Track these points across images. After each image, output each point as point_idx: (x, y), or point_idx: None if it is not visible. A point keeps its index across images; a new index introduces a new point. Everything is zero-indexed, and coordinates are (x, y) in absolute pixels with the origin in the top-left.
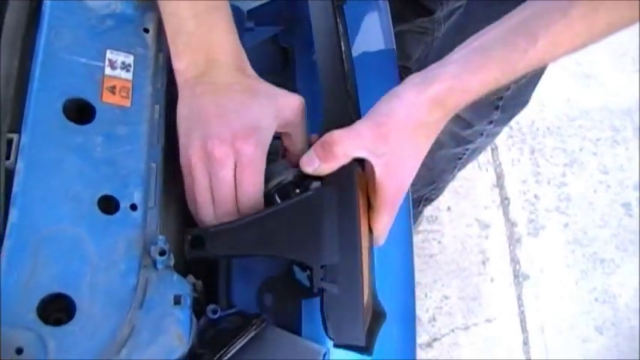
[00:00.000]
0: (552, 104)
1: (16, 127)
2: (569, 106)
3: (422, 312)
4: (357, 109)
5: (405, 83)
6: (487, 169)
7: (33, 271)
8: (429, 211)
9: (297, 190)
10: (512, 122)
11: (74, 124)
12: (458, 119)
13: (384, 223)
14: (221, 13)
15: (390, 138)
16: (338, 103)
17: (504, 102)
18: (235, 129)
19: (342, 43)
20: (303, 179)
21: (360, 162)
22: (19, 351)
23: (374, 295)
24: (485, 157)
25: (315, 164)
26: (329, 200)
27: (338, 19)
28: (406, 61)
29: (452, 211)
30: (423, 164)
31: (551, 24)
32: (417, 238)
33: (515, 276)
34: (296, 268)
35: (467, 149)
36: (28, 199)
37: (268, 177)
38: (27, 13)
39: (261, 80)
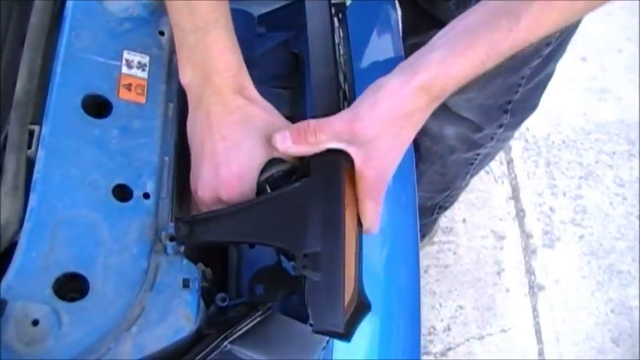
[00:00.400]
0: (568, 118)
1: (38, 120)
2: (585, 120)
3: (437, 321)
4: None
5: (392, 72)
6: (503, 182)
7: (50, 251)
8: (444, 222)
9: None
10: (528, 136)
11: (92, 117)
12: (468, 123)
13: (369, 210)
14: (219, 30)
15: (368, 131)
16: (326, 95)
17: (513, 105)
18: (222, 177)
19: (342, 46)
20: (293, 172)
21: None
22: (35, 322)
23: (360, 286)
24: (500, 169)
25: (286, 143)
26: (314, 192)
27: (338, 22)
28: None
29: (467, 223)
30: (436, 170)
31: (532, 2)
32: (432, 249)
33: (531, 287)
34: (283, 258)
35: (478, 154)
36: (47, 186)
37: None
38: (50, 15)
39: (260, 103)
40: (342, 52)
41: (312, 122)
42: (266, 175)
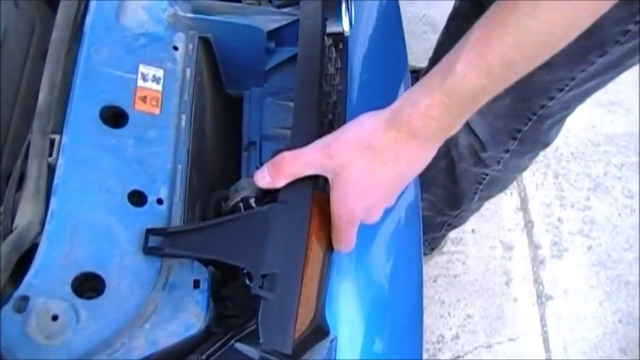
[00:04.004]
0: (577, 131)
1: (59, 129)
2: (593, 133)
3: (445, 330)
4: None
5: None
6: (511, 193)
7: (69, 251)
8: (453, 233)
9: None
10: None
11: (109, 127)
12: (476, 138)
13: (335, 237)
14: None
15: (336, 159)
16: (304, 124)
17: (522, 135)
18: None
19: (337, 76)
20: (265, 195)
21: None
22: (55, 317)
23: (321, 311)
24: None
25: (266, 179)
26: (280, 216)
27: (335, 52)
28: None
29: (476, 233)
30: (449, 175)
31: (484, 27)
32: (441, 259)
33: (539, 296)
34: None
35: (486, 174)
36: (67, 190)
37: (234, 192)
38: (70, 31)
39: None
40: (336, 82)
41: (287, 155)
42: (239, 196)
